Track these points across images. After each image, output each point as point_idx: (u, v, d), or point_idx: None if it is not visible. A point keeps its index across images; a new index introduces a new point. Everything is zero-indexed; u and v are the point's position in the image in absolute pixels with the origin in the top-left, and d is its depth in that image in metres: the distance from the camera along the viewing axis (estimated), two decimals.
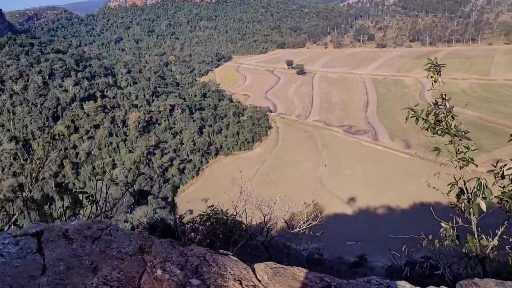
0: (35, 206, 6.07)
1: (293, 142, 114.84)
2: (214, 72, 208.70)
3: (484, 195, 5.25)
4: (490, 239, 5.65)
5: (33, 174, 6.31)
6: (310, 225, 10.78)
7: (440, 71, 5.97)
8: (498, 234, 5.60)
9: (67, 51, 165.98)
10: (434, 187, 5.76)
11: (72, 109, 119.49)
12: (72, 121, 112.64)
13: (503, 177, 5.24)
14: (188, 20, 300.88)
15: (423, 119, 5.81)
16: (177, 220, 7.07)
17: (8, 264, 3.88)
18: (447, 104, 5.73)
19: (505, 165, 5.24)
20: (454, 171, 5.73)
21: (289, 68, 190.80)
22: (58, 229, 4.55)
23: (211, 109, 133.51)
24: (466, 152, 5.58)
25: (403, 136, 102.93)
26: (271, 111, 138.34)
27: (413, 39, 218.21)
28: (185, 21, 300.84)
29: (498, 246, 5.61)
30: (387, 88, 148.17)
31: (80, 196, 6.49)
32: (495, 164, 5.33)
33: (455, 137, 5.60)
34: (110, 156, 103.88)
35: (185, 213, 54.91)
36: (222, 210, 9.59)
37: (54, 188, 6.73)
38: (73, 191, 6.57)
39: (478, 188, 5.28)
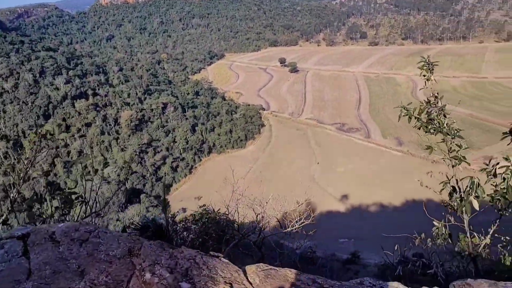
0: (23, 207, 5.94)
1: (286, 140, 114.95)
2: (206, 70, 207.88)
3: (476, 194, 5.24)
4: (482, 238, 5.65)
5: (21, 175, 6.18)
6: (303, 224, 10.75)
7: (432, 69, 5.95)
8: (490, 233, 5.60)
9: (58, 49, 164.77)
10: (426, 186, 5.73)
11: (63, 108, 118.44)
12: (64, 120, 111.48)
13: (495, 175, 5.22)
14: (180, 18, 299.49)
15: (415, 117, 5.78)
16: (168, 220, 6.97)
17: None
18: (439, 102, 5.70)
19: (498, 163, 5.22)
20: (446, 169, 5.71)
21: (281, 66, 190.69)
22: (45, 232, 4.44)
23: (204, 107, 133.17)
24: (459, 150, 5.56)
25: (395, 134, 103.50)
26: (264, 109, 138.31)
27: (405, 37, 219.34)
28: (177, 18, 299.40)
29: (490, 245, 5.61)
30: (379, 86, 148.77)
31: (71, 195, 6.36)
32: (488, 163, 5.32)
33: (448, 136, 5.58)
34: (102, 155, 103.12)
35: (178, 212, 54.67)
36: (214, 210, 9.53)
37: (44, 188, 6.59)
38: (63, 191, 6.45)
39: (471, 186, 5.26)
